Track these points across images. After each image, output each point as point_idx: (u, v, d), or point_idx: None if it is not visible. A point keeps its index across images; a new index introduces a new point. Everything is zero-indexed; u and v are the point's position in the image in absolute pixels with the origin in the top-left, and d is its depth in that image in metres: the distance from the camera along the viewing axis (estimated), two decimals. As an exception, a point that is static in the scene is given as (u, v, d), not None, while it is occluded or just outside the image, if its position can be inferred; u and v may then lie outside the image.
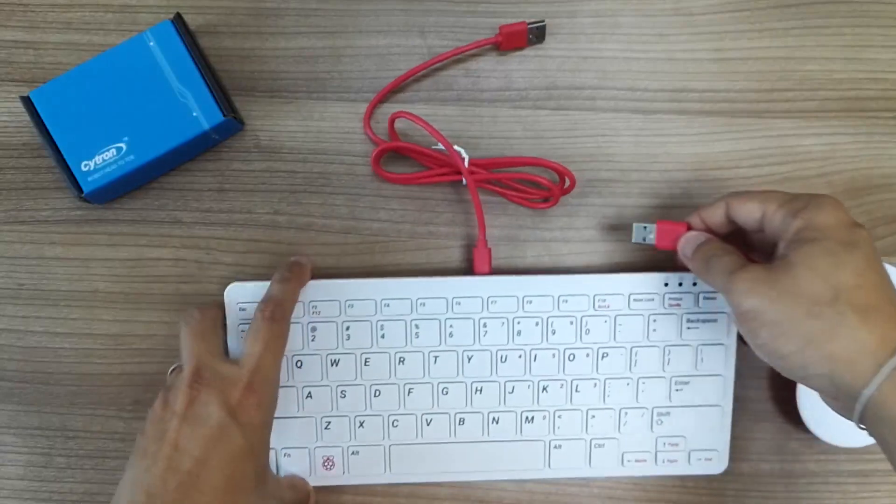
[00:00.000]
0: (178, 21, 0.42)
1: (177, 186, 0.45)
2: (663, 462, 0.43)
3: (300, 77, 0.45)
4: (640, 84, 0.45)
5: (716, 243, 0.38)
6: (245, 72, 0.45)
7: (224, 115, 0.42)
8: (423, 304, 0.41)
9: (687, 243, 0.39)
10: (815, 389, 0.34)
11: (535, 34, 0.44)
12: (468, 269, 0.45)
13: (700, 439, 0.43)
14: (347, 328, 0.41)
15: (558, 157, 0.45)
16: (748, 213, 0.36)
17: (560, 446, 0.43)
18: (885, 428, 0.30)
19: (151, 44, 0.41)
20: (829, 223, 0.33)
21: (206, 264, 0.45)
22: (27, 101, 0.41)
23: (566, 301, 0.42)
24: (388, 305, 0.41)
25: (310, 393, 0.42)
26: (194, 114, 0.42)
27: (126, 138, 0.41)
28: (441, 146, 0.42)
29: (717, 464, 0.44)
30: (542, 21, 0.44)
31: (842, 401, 0.33)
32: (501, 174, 0.43)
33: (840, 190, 0.45)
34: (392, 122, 0.42)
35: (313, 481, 0.43)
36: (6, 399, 0.45)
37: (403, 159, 0.45)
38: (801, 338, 0.31)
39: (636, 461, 0.43)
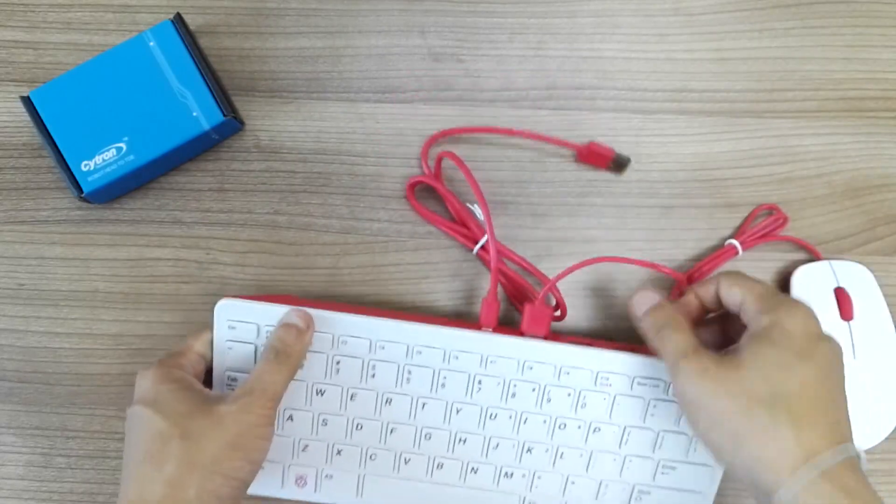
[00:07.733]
0: (178, 21, 0.42)
1: (177, 186, 0.45)
2: None
3: (300, 77, 0.45)
4: (640, 84, 0.45)
5: (668, 311, 0.37)
6: (245, 72, 0.45)
7: (224, 115, 0.42)
8: (420, 353, 0.39)
9: (639, 303, 0.38)
10: (739, 480, 0.34)
11: (615, 164, 0.44)
12: (467, 270, 0.45)
13: None
14: (338, 362, 0.39)
15: (558, 157, 0.45)
16: (731, 297, 0.36)
17: (535, 503, 0.42)
18: None
19: (151, 44, 0.41)
20: (794, 330, 0.33)
21: (206, 264, 0.45)
22: (27, 101, 0.41)
23: (568, 373, 0.40)
24: (384, 348, 0.39)
25: (291, 416, 0.40)
26: (194, 114, 0.42)
27: (126, 138, 0.41)
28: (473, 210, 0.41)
29: None
30: (628, 158, 0.44)
31: (758, 499, 0.33)
32: (508, 270, 0.43)
33: (840, 190, 0.45)
34: (439, 159, 0.42)
35: (283, 495, 0.42)
36: (6, 399, 0.45)
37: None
38: (732, 434, 0.32)
39: None
